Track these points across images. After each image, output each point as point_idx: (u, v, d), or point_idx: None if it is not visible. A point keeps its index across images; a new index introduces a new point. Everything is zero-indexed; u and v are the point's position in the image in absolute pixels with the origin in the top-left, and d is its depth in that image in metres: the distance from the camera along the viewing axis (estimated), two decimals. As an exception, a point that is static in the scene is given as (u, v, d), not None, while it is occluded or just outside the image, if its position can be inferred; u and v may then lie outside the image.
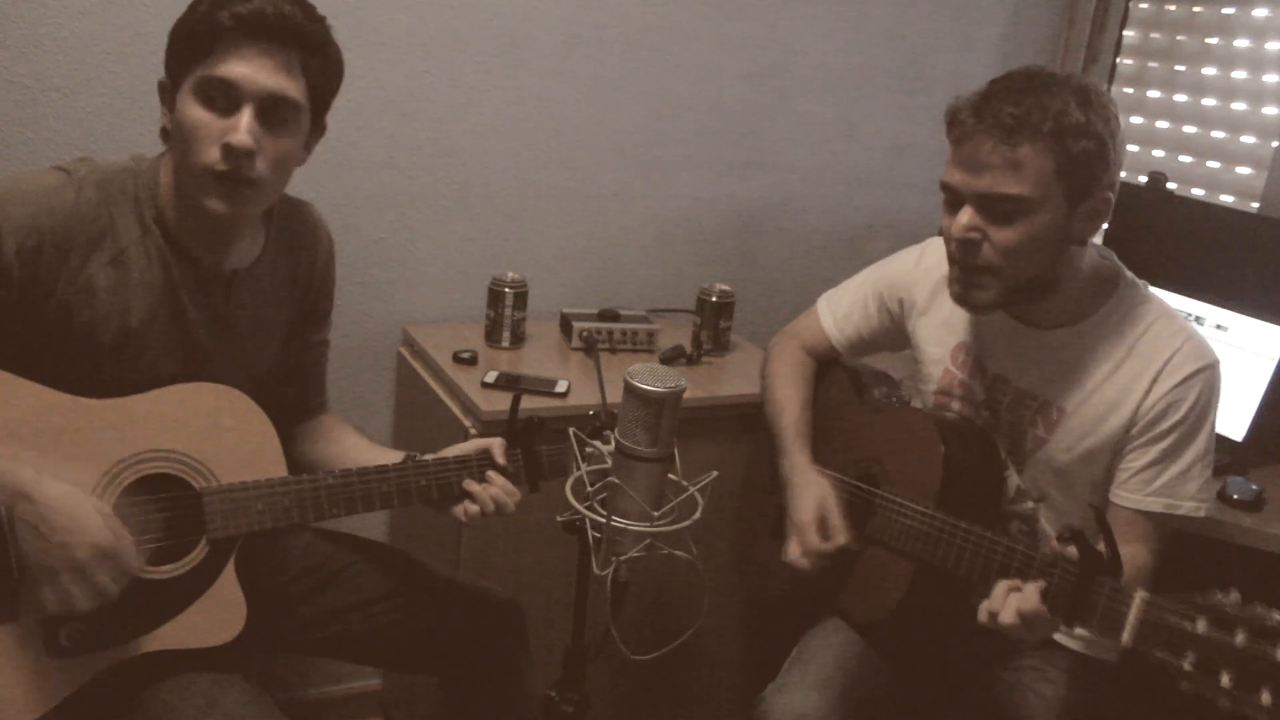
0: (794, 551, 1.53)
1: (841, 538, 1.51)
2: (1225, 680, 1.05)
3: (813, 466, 1.61)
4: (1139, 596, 1.14)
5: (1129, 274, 1.48)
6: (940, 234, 1.45)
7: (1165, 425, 1.40)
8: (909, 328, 1.67)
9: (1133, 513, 1.41)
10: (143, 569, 1.25)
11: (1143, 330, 1.43)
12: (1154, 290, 1.49)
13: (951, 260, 1.42)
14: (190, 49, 1.25)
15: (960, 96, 1.37)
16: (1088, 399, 1.45)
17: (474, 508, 1.42)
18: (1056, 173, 1.31)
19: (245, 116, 1.24)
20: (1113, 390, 1.43)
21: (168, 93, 1.29)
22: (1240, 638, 1.05)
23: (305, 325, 1.54)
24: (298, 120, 1.31)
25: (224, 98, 1.24)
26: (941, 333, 1.60)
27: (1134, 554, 1.38)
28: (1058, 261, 1.39)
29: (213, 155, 1.25)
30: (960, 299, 1.44)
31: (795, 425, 1.66)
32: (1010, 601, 1.24)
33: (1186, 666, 1.08)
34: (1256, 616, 1.05)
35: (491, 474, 1.44)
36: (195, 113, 1.25)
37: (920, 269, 1.64)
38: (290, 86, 1.28)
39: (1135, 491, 1.42)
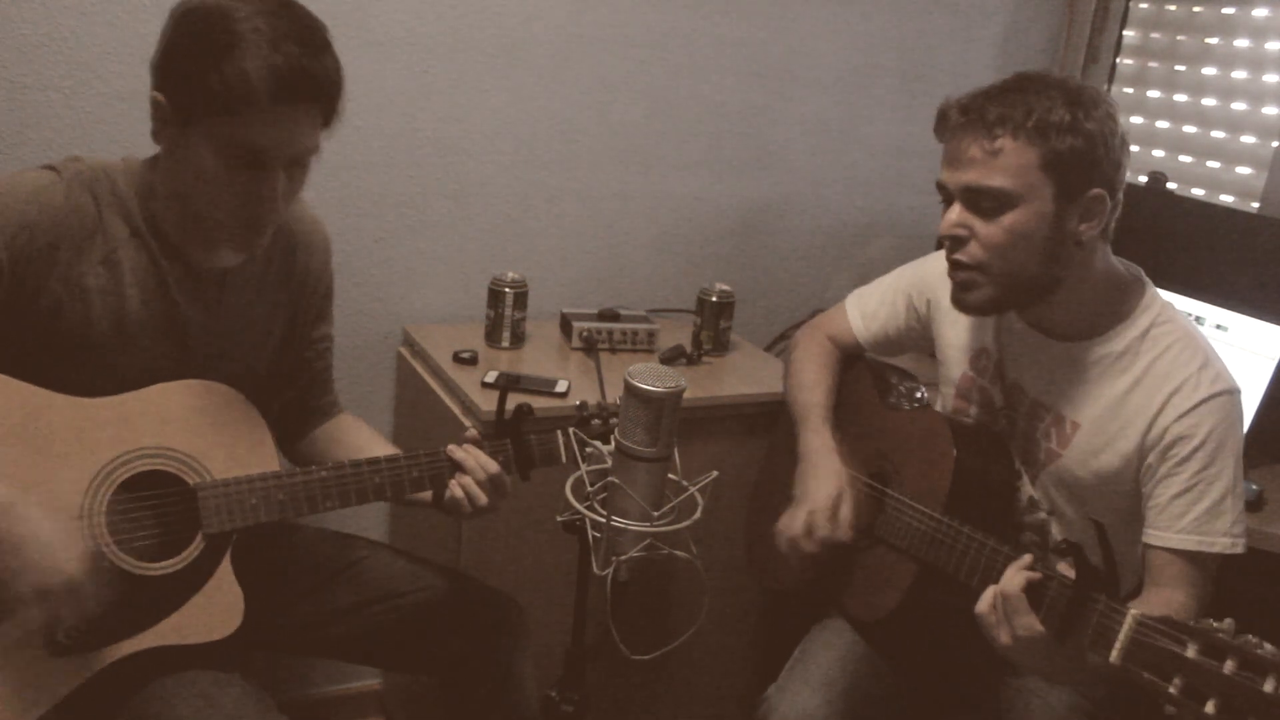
0: (793, 526, 1.51)
1: (845, 534, 1.50)
2: (1210, 707, 1.04)
3: (836, 453, 1.59)
4: (1131, 615, 1.14)
5: (1154, 291, 1.45)
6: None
7: (1182, 454, 1.36)
8: (934, 329, 1.66)
9: (1166, 553, 1.36)
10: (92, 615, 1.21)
11: (1161, 351, 1.40)
12: (1179, 309, 1.46)
13: (947, 259, 1.42)
14: (212, 101, 1.19)
15: (952, 95, 1.39)
16: (1101, 416, 1.43)
17: (465, 477, 1.40)
18: (1042, 168, 1.32)
19: (277, 179, 1.24)
20: (1126, 410, 1.41)
21: (166, 112, 1.24)
22: (1229, 666, 1.04)
23: (305, 323, 1.54)
24: (314, 159, 1.30)
25: (252, 157, 1.23)
26: (964, 336, 1.60)
27: (1171, 599, 1.34)
28: (1055, 263, 1.37)
29: (231, 207, 1.25)
30: (956, 300, 1.43)
31: (821, 404, 1.67)
32: (1000, 583, 1.25)
33: (1172, 690, 1.07)
34: (1247, 646, 1.04)
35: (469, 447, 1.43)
36: (213, 165, 1.22)
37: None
38: (314, 138, 1.27)
39: (1165, 529, 1.36)
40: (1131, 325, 1.43)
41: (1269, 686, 1.01)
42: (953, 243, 1.39)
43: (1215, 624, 1.07)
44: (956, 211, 1.37)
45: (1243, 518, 1.37)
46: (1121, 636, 1.14)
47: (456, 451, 1.41)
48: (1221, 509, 1.35)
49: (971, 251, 1.37)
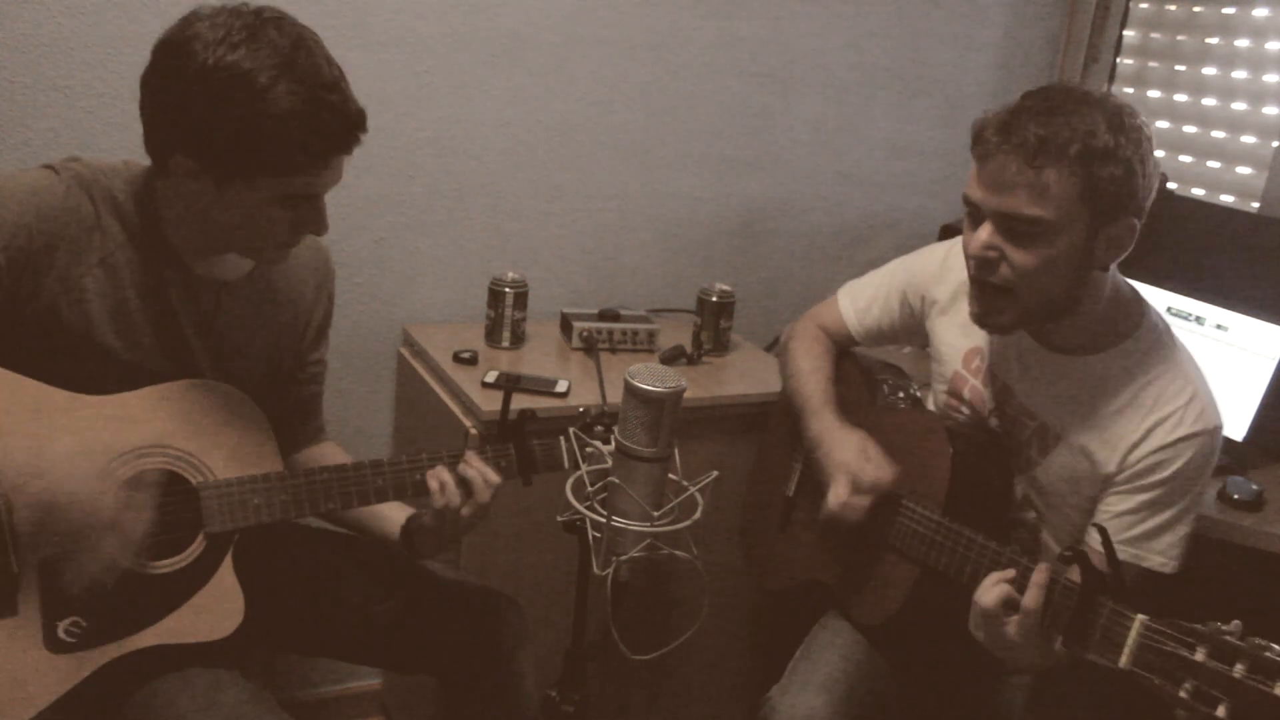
0: (838, 496, 1.48)
1: (889, 471, 1.47)
2: (1222, 711, 1.04)
3: (845, 423, 1.58)
4: (1139, 620, 1.14)
5: (1154, 314, 1.45)
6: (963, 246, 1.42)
7: (1151, 480, 1.37)
8: (928, 326, 1.66)
9: (1098, 556, 1.36)
10: (140, 555, 1.26)
11: (1153, 378, 1.39)
12: (1179, 338, 1.45)
13: (970, 277, 1.39)
14: (265, 166, 1.21)
15: (989, 110, 1.34)
16: (1083, 432, 1.43)
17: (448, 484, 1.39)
18: (1081, 197, 1.28)
19: (323, 205, 1.30)
20: (1109, 431, 1.41)
21: (192, 171, 1.23)
22: (1239, 669, 1.04)
23: (300, 346, 1.54)
24: None
25: (306, 200, 1.27)
26: (958, 335, 1.59)
27: None
28: (1077, 285, 1.36)
29: (286, 238, 1.31)
30: (979, 320, 1.41)
31: (824, 390, 1.65)
32: (999, 590, 1.25)
33: (1183, 694, 1.07)
34: (1256, 649, 1.04)
35: (471, 456, 1.42)
36: (275, 214, 1.26)
37: (945, 267, 1.62)
38: None
39: None
40: (1129, 346, 1.42)
41: None
42: (981, 264, 1.35)
43: (1223, 626, 1.07)
44: (988, 233, 1.33)
45: (1184, 542, 1.39)
46: (1130, 641, 1.13)
47: (468, 470, 1.40)
48: (1165, 531, 1.38)
49: (1002, 274, 1.34)
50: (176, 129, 1.23)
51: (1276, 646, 1.04)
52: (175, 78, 1.21)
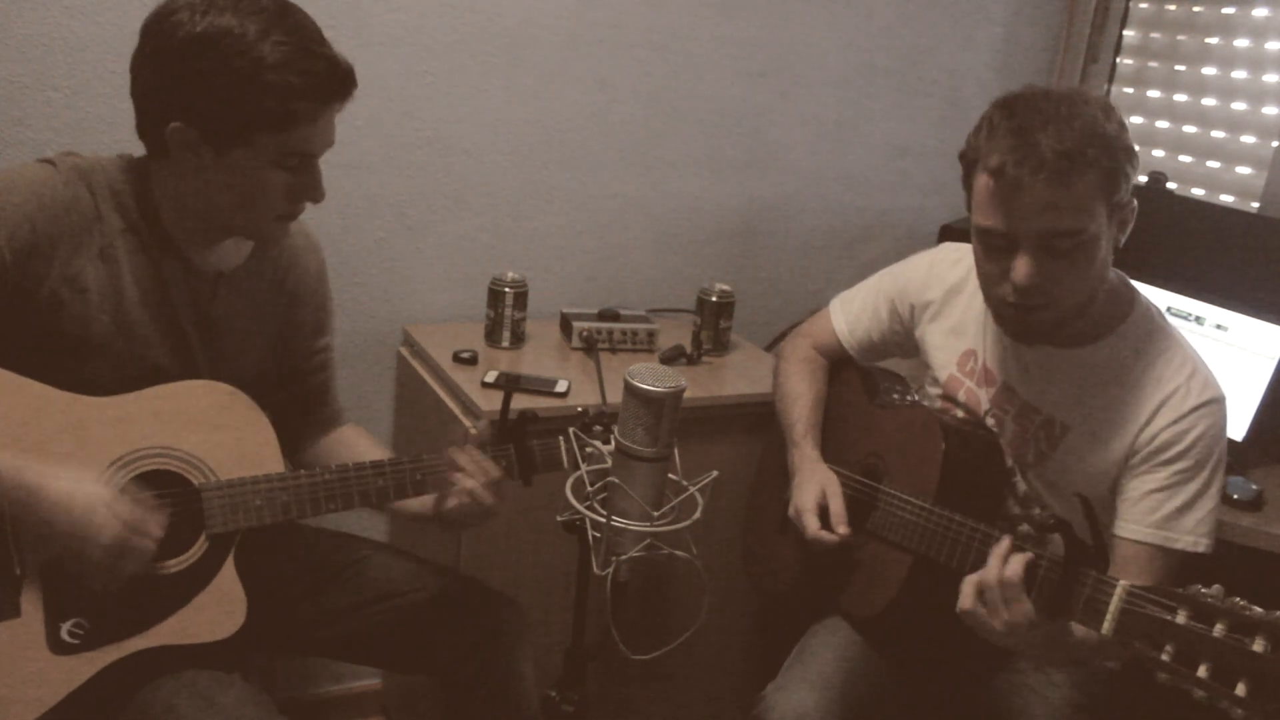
0: (810, 532, 1.54)
1: (841, 528, 1.51)
2: (1202, 671, 1.06)
3: (819, 460, 1.62)
4: (1121, 586, 1.15)
5: (1143, 297, 1.46)
6: (978, 276, 1.42)
7: (1166, 457, 1.37)
8: (918, 333, 1.66)
9: (1131, 545, 1.38)
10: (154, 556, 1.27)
11: (1152, 358, 1.41)
12: (1161, 309, 1.47)
13: (1004, 303, 1.37)
14: (265, 122, 1.23)
15: (983, 139, 1.32)
16: (1091, 420, 1.43)
17: (467, 479, 1.39)
18: (1102, 193, 1.29)
19: (318, 167, 1.32)
20: (1116, 415, 1.41)
21: (191, 139, 1.24)
22: (1219, 629, 1.05)
23: (301, 335, 1.54)
24: None
25: (304, 159, 1.29)
26: (950, 338, 1.60)
27: None
28: (1105, 276, 1.38)
29: (285, 207, 1.32)
30: (1021, 338, 1.43)
31: (806, 419, 1.68)
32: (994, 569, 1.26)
33: (1164, 657, 1.08)
34: (1235, 608, 1.06)
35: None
36: (275, 177, 1.28)
37: (932, 274, 1.63)
38: None
39: (1134, 523, 1.38)
40: (1124, 331, 1.43)
41: (1258, 646, 1.03)
42: (1028, 291, 1.33)
43: (1203, 589, 1.09)
44: (1030, 264, 1.31)
45: (1210, 518, 1.38)
46: (1112, 608, 1.15)
47: (459, 455, 1.41)
48: (1190, 508, 1.37)
49: (1048, 293, 1.33)
50: (173, 100, 1.24)
51: (1257, 608, 1.05)
52: (165, 50, 1.23)
